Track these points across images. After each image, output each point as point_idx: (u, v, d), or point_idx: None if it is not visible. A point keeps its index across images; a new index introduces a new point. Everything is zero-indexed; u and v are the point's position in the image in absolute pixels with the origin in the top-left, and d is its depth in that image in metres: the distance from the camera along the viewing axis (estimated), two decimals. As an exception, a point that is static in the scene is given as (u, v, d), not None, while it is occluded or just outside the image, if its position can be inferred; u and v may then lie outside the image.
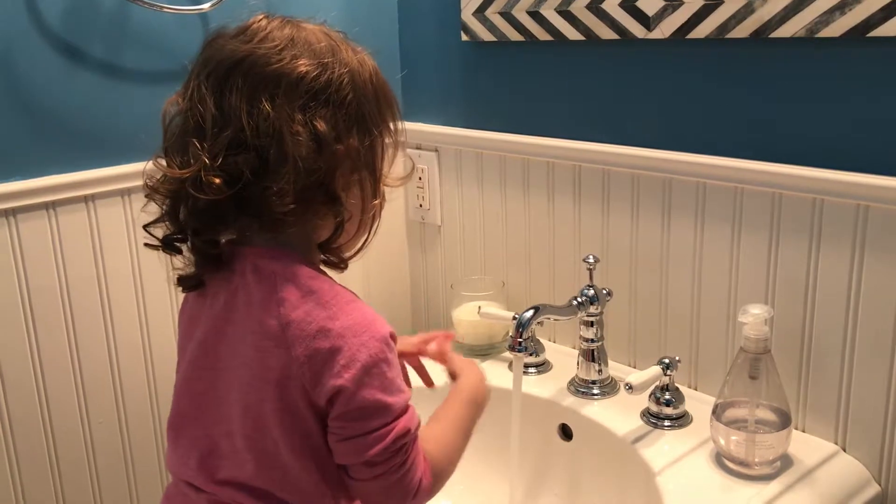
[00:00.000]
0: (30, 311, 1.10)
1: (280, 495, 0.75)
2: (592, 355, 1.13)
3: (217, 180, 0.69)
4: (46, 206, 1.09)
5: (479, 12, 1.25)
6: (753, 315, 0.92)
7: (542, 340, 1.26)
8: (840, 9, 0.87)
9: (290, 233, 0.74)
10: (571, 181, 1.20)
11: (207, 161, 0.69)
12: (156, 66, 1.18)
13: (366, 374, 0.70)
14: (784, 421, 0.93)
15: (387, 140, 0.78)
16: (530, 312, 1.04)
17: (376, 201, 0.78)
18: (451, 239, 1.42)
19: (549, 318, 1.08)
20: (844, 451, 0.98)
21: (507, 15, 1.22)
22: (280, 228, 0.72)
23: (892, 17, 0.84)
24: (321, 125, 0.71)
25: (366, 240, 0.81)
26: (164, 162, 0.75)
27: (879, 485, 0.95)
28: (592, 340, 1.12)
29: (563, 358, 1.23)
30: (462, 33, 1.30)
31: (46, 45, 1.08)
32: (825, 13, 0.88)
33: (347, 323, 0.71)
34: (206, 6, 1.17)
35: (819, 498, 0.91)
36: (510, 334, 1.06)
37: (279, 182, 0.69)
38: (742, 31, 0.96)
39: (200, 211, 0.71)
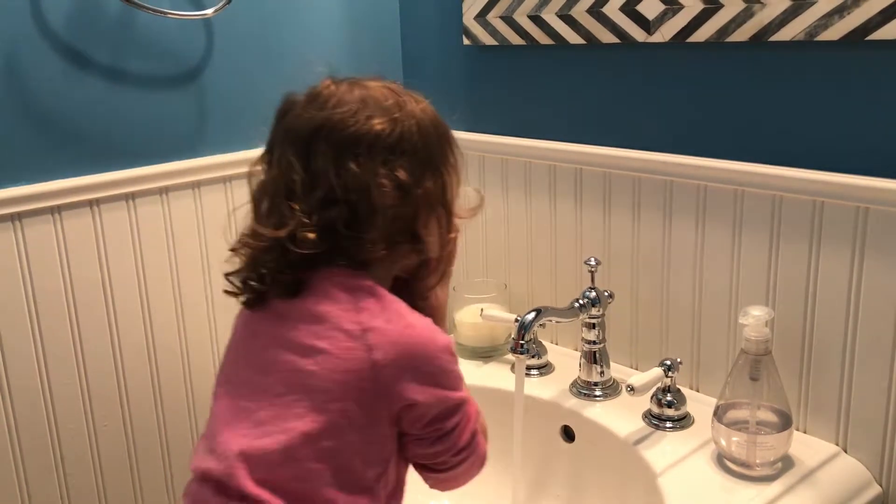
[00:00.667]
0: (35, 314, 1.11)
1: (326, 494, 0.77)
2: (594, 357, 1.13)
3: (312, 235, 0.75)
4: (52, 210, 1.10)
5: (481, 16, 1.26)
6: (754, 317, 0.93)
7: (544, 342, 1.26)
8: (839, 12, 0.88)
9: (371, 270, 0.80)
10: (573, 184, 1.20)
11: (304, 219, 0.76)
12: (160, 71, 1.19)
13: (444, 378, 0.78)
14: (785, 422, 0.93)
15: (452, 176, 0.84)
16: (532, 314, 1.05)
17: (452, 235, 0.85)
18: (453, 242, 1.43)
19: (550, 321, 1.09)
20: (845, 452, 0.98)
21: (508, 19, 1.22)
22: (368, 269, 0.80)
23: (890, 20, 0.84)
24: (402, 174, 0.77)
25: (446, 270, 0.87)
26: (256, 226, 0.80)
27: (880, 486, 0.96)
28: (594, 342, 1.13)
29: (566, 360, 1.23)
30: (464, 37, 1.30)
31: (51, 50, 1.09)
32: (824, 17, 0.89)
33: (424, 334, 0.78)
34: (209, 11, 1.18)
35: (820, 499, 0.91)
36: (512, 336, 1.07)
37: (371, 231, 0.77)
38: (742, 34, 0.96)
39: (293, 261, 0.77)
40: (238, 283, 0.83)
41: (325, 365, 0.75)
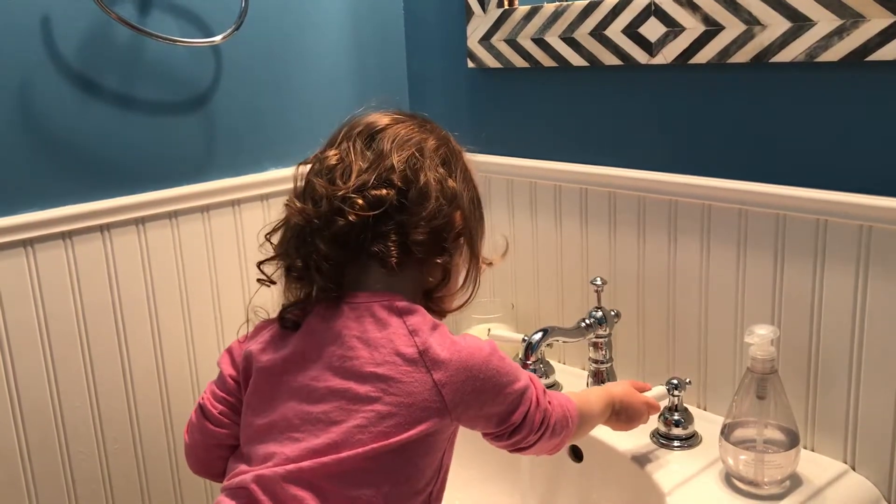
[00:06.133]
0: (47, 337, 1.12)
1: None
2: (602, 376, 1.14)
3: (361, 201, 0.80)
4: (63, 235, 1.11)
5: (485, 40, 1.28)
6: (759, 335, 0.93)
7: (551, 362, 1.26)
8: (838, 34, 0.89)
9: (402, 280, 0.83)
10: (578, 204, 1.21)
11: (360, 185, 0.81)
12: (169, 97, 1.20)
13: (499, 378, 0.82)
14: (792, 440, 0.94)
15: (480, 211, 0.92)
16: (539, 335, 1.05)
17: (474, 266, 0.91)
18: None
19: (557, 340, 1.09)
20: (854, 469, 0.98)
21: (512, 42, 1.24)
22: (398, 269, 0.82)
23: (888, 41, 0.85)
24: (453, 182, 0.85)
25: (467, 299, 0.93)
26: (312, 177, 0.85)
27: (889, 503, 0.96)
28: (601, 362, 1.13)
29: (573, 379, 1.24)
30: (468, 60, 1.32)
31: (62, 78, 1.10)
32: (823, 38, 0.90)
33: (471, 344, 0.82)
34: (217, 38, 1.20)
35: (829, 517, 0.91)
36: (520, 356, 1.07)
37: (417, 216, 0.81)
38: (743, 55, 0.97)
39: (334, 235, 0.81)
40: (269, 277, 0.87)
41: (388, 390, 0.78)
